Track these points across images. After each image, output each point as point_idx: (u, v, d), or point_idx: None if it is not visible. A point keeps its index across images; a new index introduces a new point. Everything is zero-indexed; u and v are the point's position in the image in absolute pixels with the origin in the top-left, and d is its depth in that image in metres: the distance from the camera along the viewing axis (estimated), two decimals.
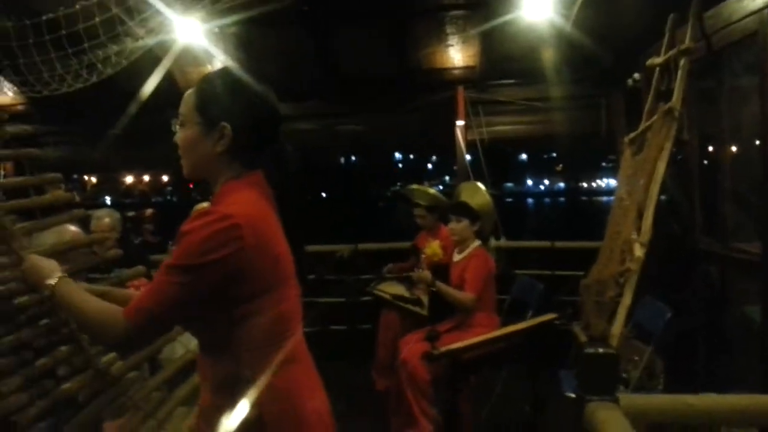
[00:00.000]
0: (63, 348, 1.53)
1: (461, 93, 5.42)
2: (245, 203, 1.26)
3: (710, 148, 3.74)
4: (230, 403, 1.25)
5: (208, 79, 1.34)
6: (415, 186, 4.31)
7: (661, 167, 3.23)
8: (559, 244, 4.92)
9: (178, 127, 1.35)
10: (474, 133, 5.43)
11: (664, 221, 3.44)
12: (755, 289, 2.85)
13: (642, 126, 3.64)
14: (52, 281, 1.31)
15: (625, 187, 3.58)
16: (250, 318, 1.23)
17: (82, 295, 1.30)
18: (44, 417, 1.36)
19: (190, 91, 1.35)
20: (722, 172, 3.47)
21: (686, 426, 2.77)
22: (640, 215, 3.25)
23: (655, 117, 3.43)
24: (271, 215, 1.31)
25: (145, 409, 1.64)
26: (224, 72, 1.35)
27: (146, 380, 1.78)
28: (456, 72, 5.49)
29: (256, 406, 1.24)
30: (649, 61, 3.63)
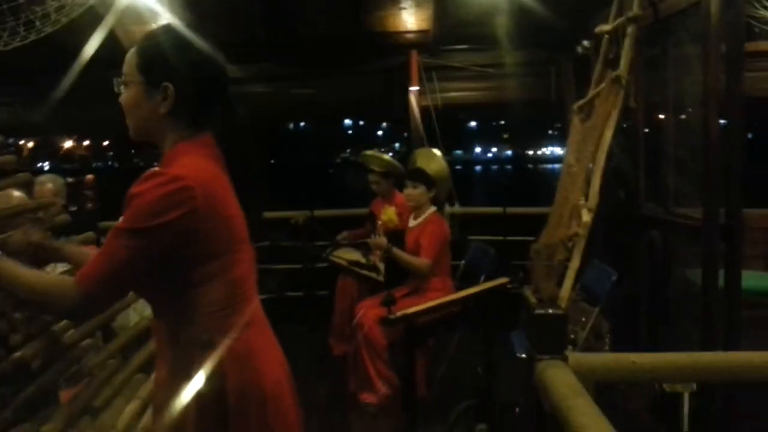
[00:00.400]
0: (17, 315, 1.49)
1: (415, 57, 5.39)
2: (195, 165, 1.23)
3: (655, 116, 3.84)
4: (189, 368, 1.24)
5: (149, 37, 1.30)
6: (369, 152, 4.31)
7: (608, 134, 3.31)
8: (510, 209, 5.02)
9: (121, 87, 1.31)
10: (427, 99, 5.43)
11: (610, 187, 3.54)
12: (696, 252, 2.98)
13: (590, 93, 3.70)
14: None
15: (574, 153, 3.65)
16: (205, 282, 1.22)
17: (25, 270, 1.25)
18: None
19: (132, 50, 1.30)
20: (666, 139, 3.59)
21: (632, 383, 2.92)
22: (587, 181, 3.34)
23: (603, 84, 3.50)
24: (222, 178, 1.29)
25: (101, 377, 1.62)
26: (166, 30, 1.31)
27: (101, 348, 1.75)
28: (409, 36, 5.45)
29: (216, 369, 1.24)
30: (598, 29, 3.68)
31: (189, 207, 1.16)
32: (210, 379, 1.24)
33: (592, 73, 3.81)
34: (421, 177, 3.61)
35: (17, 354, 1.45)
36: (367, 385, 3.39)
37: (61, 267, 1.96)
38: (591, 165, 3.40)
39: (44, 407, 1.49)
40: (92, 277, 1.16)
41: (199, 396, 1.24)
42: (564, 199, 3.61)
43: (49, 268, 1.99)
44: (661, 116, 3.75)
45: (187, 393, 1.24)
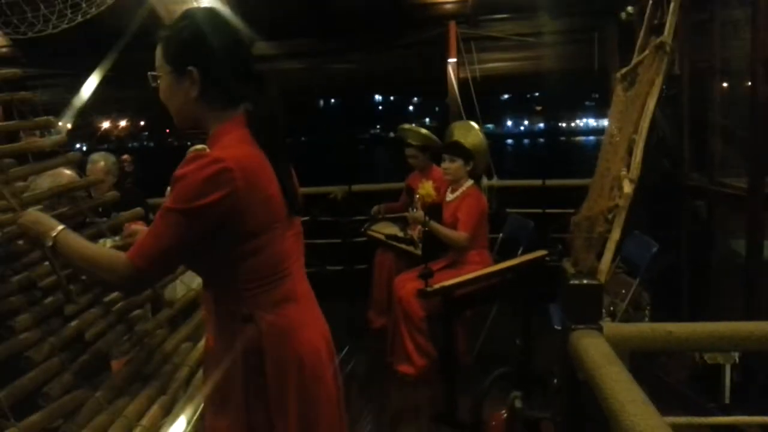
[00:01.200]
0: (72, 287, 1.58)
1: (453, 29, 5.31)
2: (235, 146, 1.28)
3: (701, 83, 3.73)
4: (230, 339, 1.32)
5: (170, 27, 1.34)
6: (406, 126, 4.30)
7: (651, 103, 3.23)
8: (549, 182, 4.96)
9: (156, 81, 1.35)
10: (466, 71, 5.36)
11: (653, 157, 3.47)
12: (741, 223, 2.91)
13: (634, 61, 3.61)
14: (55, 232, 1.32)
15: (616, 123, 3.58)
16: (246, 258, 1.28)
17: (85, 243, 1.33)
18: (55, 354, 1.42)
19: (158, 44, 1.34)
20: (712, 107, 3.48)
21: (672, 355, 2.90)
22: (630, 151, 3.28)
23: (646, 52, 3.41)
24: (261, 157, 1.32)
25: (150, 345, 1.71)
26: (185, 17, 1.34)
27: (150, 318, 1.84)
28: (447, 6, 5.37)
29: (254, 342, 1.30)
30: None
31: (230, 188, 1.21)
32: (248, 350, 1.30)
33: (636, 40, 3.71)
34: (458, 150, 3.60)
35: (73, 323, 1.53)
36: (405, 356, 3.45)
37: (111, 241, 2.05)
38: (634, 135, 3.34)
39: (97, 375, 1.58)
40: (143, 254, 1.23)
41: (239, 366, 1.31)
42: (605, 170, 3.55)
43: (100, 242, 2.08)
44: (707, 83, 3.63)
45: (229, 362, 1.31)
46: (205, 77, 1.30)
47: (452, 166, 3.57)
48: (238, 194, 1.22)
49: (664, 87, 3.28)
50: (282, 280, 1.34)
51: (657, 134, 3.60)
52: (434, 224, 3.51)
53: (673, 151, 3.70)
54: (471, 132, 3.80)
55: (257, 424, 1.32)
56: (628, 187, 3.13)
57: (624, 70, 3.74)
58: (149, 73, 1.36)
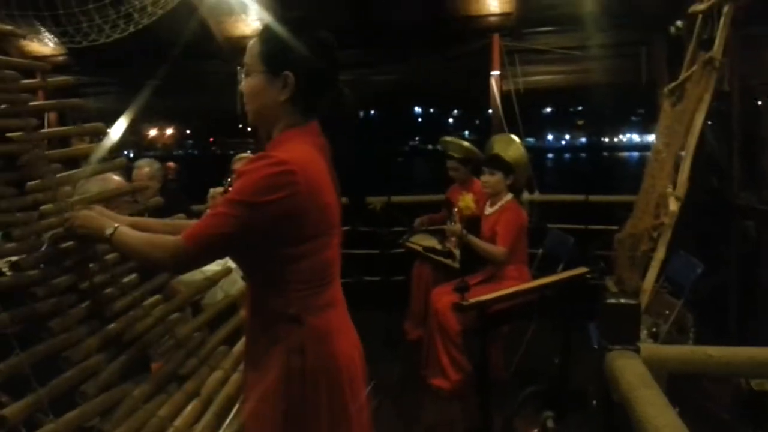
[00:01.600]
0: (109, 290, 1.62)
1: (497, 41, 5.28)
2: (300, 151, 1.30)
3: (752, 100, 3.62)
4: (274, 338, 1.34)
5: (270, 28, 1.36)
6: (448, 138, 4.29)
7: (700, 119, 3.16)
8: (593, 197, 4.87)
9: (243, 75, 1.39)
10: (509, 84, 5.32)
11: (701, 175, 3.38)
12: None
13: (682, 76, 3.54)
14: (111, 229, 1.38)
15: (663, 139, 3.51)
16: (296, 260, 1.31)
17: (138, 234, 1.40)
18: (92, 354, 1.46)
19: (254, 40, 1.38)
20: (763, 125, 3.37)
21: (714, 379, 2.80)
22: (676, 168, 3.20)
23: (695, 67, 3.33)
24: (323, 165, 1.36)
25: (188, 348, 1.74)
26: (288, 20, 1.37)
27: (189, 321, 1.87)
28: (492, 19, 5.35)
29: (297, 343, 1.32)
30: (692, 8, 3.50)
31: (291, 190, 1.24)
32: (290, 350, 1.32)
33: (685, 55, 3.63)
34: (497, 164, 3.57)
35: (111, 325, 1.58)
36: (439, 370, 3.42)
37: None
38: (681, 151, 3.26)
39: (136, 375, 1.62)
40: (194, 235, 1.27)
41: (283, 365, 1.33)
42: (651, 187, 3.48)
43: None
44: (758, 100, 3.52)
45: (273, 361, 1.33)
46: (298, 83, 1.33)
47: (491, 179, 3.54)
48: (299, 198, 1.25)
49: (712, 103, 3.19)
50: (328, 285, 1.38)
51: (705, 151, 3.51)
52: (472, 238, 3.49)
53: (721, 168, 3.59)
54: (512, 145, 3.77)
55: (295, 424, 1.33)
56: (674, 205, 3.06)
57: (672, 86, 3.67)
58: (239, 67, 1.40)
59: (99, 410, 1.37)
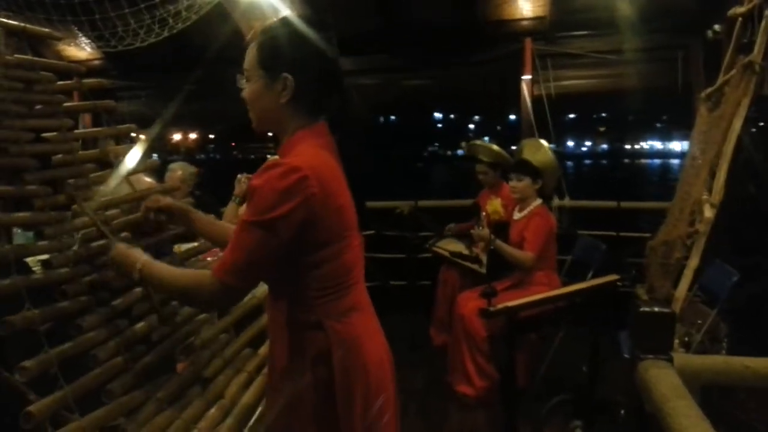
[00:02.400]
0: (137, 289, 1.64)
1: (529, 45, 5.21)
2: (311, 155, 1.29)
3: None
4: (300, 347, 1.33)
5: (266, 31, 1.36)
6: (478, 142, 4.27)
7: (738, 124, 3.07)
8: (625, 204, 4.78)
9: (243, 82, 1.38)
10: (540, 88, 5.26)
11: (738, 181, 3.28)
12: None
13: (720, 80, 3.45)
14: (139, 265, 1.38)
15: (699, 145, 3.43)
16: (317, 266, 1.29)
17: (168, 270, 1.39)
18: (119, 353, 1.47)
19: (251, 45, 1.37)
20: None
21: (752, 391, 2.71)
22: (712, 175, 3.12)
23: (733, 71, 3.25)
24: (336, 166, 1.35)
25: (213, 349, 1.75)
26: (283, 23, 1.36)
27: (215, 323, 1.88)
28: (524, 23, 5.29)
29: (323, 349, 1.31)
30: (732, 11, 3.41)
31: (306, 196, 1.23)
32: (317, 357, 1.31)
33: (723, 59, 3.54)
34: (525, 169, 3.53)
35: (139, 324, 1.59)
36: (465, 376, 3.39)
37: (186, 246, 2.12)
38: (717, 157, 3.17)
39: (162, 375, 1.63)
40: (228, 269, 1.24)
41: (308, 373, 1.32)
42: (686, 194, 3.39)
43: (174, 247, 2.16)
44: None
45: (298, 370, 1.33)
46: (298, 85, 1.32)
47: (519, 185, 3.50)
48: (315, 202, 1.24)
49: (751, 108, 3.11)
50: (349, 288, 1.36)
51: (742, 157, 3.41)
52: (499, 243, 3.44)
53: (759, 175, 3.49)
54: (540, 150, 3.72)
55: (325, 430, 1.32)
56: (709, 212, 2.98)
57: (709, 90, 3.58)
58: (238, 74, 1.39)
59: (124, 410, 1.38)
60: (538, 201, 3.52)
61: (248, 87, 1.37)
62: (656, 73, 5.42)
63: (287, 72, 1.31)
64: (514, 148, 4.30)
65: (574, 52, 5.26)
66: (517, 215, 3.59)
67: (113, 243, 1.49)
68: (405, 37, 5.63)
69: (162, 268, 1.40)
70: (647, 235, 3.53)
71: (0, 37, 1.68)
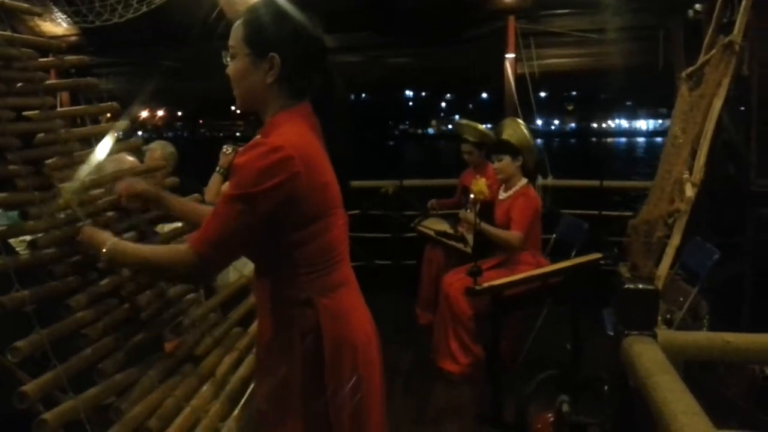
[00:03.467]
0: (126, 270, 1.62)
1: (512, 23, 5.20)
2: (295, 134, 1.29)
3: None
4: (289, 323, 1.34)
5: (254, 10, 1.35)
6: (464, 121, 4.26)
7: (718, 104, 3.11)
8: (607, 183, 4.84)
9: (228, 59, 1.37)
10: (524, 67, 5.26)
11: (718, 161, 3.33)
12: None
13: (700, 60, 3.48)
14: (105, 247, 1.37)
15: (680, 124, 3.46)
16: (303, 244, 1.30)
17: (137, 247, 1.39)
18: (109, 332, 1.46)
19: (238, 23, 1.36)
20: None
21: (730, 367, 2.78)
22: (693, 154, 3.16)
23: (714, 51, 3.28)
24: (318, 146, 1.35)
25: (202, 329, 1.74)
26: (270, 1, 1.35)
27: (203, 303, 1.88)
28: (507, 1, 5.28)
29: (313, 325, 1.32)
30: None
31: (290, 174, 1.23)
32: (307, 333, 1.33)
33: (704, 39, 3.57)
34: (502, 148, 3.56)
35: (127, 304, 1.58)
36: (449, 354, 3.43)
37: (169, 226, 2.10)
38: (698, 137, 3.21)
39: (150, 354, 1.62)
40: (205, 241, 1.25)
41: (298, 349, 1.33)
42: (667, 173, 3.44)
43: (157, 227, 2.14)
44: None
45: (288, 346, 1.34)
46: (284, 65, 1.31)
47: (500, 165, 3.54)
48: (298, 181, 1.24)
49: (731, 88, 3.14)
50: (336, 265, 1.37)
51: (722, 137, 3.46)
52: (486, 226, 3.46)
53: (738, 155, 3.54)
54: (516, 129, 3.75)
55: (313, 406, 1.33)
56: (690, 191, 3.02)
57: (690, 70, 3.61)
58: (223, 51, 1.38)
59: (116, 389, 1.38)
60: (524, 181, 3.54)
61: (233, 65, 1.36)
62: (637, 52, 5.44)
63: (274, 51, 1.31)
64: (489, 126, 4.32)
65: (556, 31, 5.27)
66: (502, 195, 3.62)
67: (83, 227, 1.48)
68: (387, 14, 5.58)
69: (129, 246, 1.39)
70: (629, 214, 3.57)
71: None
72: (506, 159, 3.51)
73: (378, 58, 6.12)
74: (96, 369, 1.37)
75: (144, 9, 3.92)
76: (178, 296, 1.78)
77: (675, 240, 2.97)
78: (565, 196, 4.87)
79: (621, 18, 5.00)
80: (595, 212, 4.63)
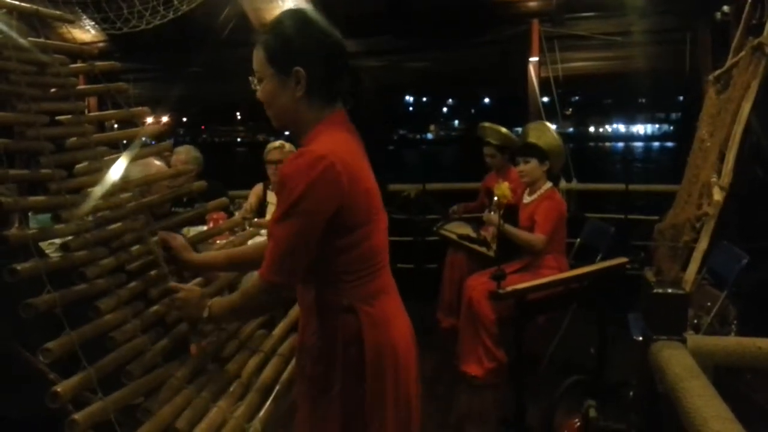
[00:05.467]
0: (153, 272, 1.65)
1: (536, 27, 5.17)
2: (335, 142, 1.30)
3: None
4: (330, 330, 1.35)
5: (269, 30, 1.36)
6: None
7: (747, 107, 3.05)
8: (633, 186, 4.78)
9: (256, 84, 1.38)
10: (548, 70, 5.22)
11: (746, 164, 3.27)
12: None
13: (728, 62, 3.43)
14: (206, 312, 1.45)
15: (707, 127, 3.41)
16: (347, 251, 1.31)
17: (230, 300, 1.45)
18: (137, 335, 1.48)
19: (256, 48, 1.36)
20: None
21: (758, 372, 2.73)
22: (721, 157, 3.11)
23: (742, 53, 3.23)
24: (359, 152, 1.36)
25: (228, 331, 1.76)
26: (285, 17, 1.36)
27: None
28: (531, 4, 5.25)
29: (355, 332, 1.33)
30: None
31: (335, 182, 1.24)
32: (349, 340, 1.34)
33: (732, 41, 3.52)
34: (531, 151, 3.53)
35: (155, 307, 1.60)
36: (473, 359, 3.41)
37: (194, 230, 2.12)
38: (726, 140, 3.16)
39: (177, 357, 1.64)
40: (271, 268, 1.29)
41: (340, 355, 1.34)
42: (694, 177, 3.39)
43: (183, 231, 2.17)
44: None
45: (329, 352, 1.35)
46: (310, 76, 1.32)
47: (527, 167, 3.50)
48: (343, 188, 1.25)
49: (760, 91, 3.09)
50: (378, 272, 1.38)
51: (751, 140, 3.40)
52: (509, 227, 3.44)
53: (766, 158, 3.48)
54: (545, 132, 3.72)
55: (353, 413, 1.34)
56: (718, 195, 2.97)
57: (717, 73, 3.56)
58: (250, 77, 1.39)
59: (144, 390, 1.40)
60: (549, 184, 3.52)
61: (262, 88, 1.37)
62: (664, 55, 5.39)
63: (297, 65, 1.31)
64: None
65: (581, 34, 5.22)
66: (527, 198, 3.59)
67: (179, 288, 1.56)
68: (408, 17, 5.58)
69: (223, 302, 1.45)
70: (655, 218, 3.53)
71: (13, 21, 1.68)
72: (533, 162, 3.49)
73: (398, 62, 6.11)
74: (124, 370, 1.39)
75: (171, 16, 3.97)
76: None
77: (702, 244, 2.92)
78: (588, 200, 4.83)
79: (647, 21, 4.95)
80: (621, 216, 4.57)
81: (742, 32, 3.42)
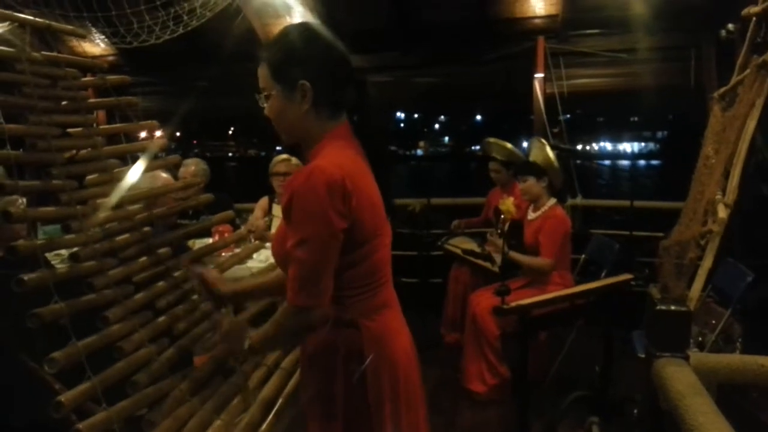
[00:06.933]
0: (161, 283, 1.66)
1: (542, 43, 5.20)
2: (340, 156, 1.30)
3: None
4: (332, 345, 1.35)
5: (271, 47, 1.37)
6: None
7: (752, 125, 3.06)
8: (638, 203, 4.78)
9: (263, 101, 1.39)
10: (553, 86, 5.25)
11: (751, 182, 3.27)
12: None
13: (734, 80, 3.44)
14: (247, 345, 1.40)
15: (713, 144, 3.41)
16: (354, 265, 1.31)
17: (266, 331, 1.39)
18: (144, 345, 1.49)
19: (260, 65, 1.37)
20: None
21: (764, 390, 2.71)
22: (726, 175, 3.11)
23: (747, 71, 3.24)
24: (364, 165, 1.36)
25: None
26: (285, 33, 1.37)
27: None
28: (537, 21, 5.28)
29: (356, 347, 1.33)
30: (746, 11, 3.39)
31: (343, 199, 1.24)
32: (351, 354, 1.34)
33: (737, 59, 3.53)
34: (526, 169, 3.55)
35: (161, 318, 1.62)
36: (476, 374, 3.40)
37: (200, 242, 2.14)
38: (732, 157, 3.16)
39: (182, 369, 1.65)
40: (296, 292, 1.27)
41: (342, 369, 1.34)
42: (699, 194, 3.38)
43: (189, 243, 2.18)
44: None
45: (332, 366, 1.35)
46: (315, 88, 1.32)
47: (525, 186, 3.53)
48: (350, 202, 1.25)
49: (765, 108, 3.09)
50: (381, 286, 1.38)
51: (756, 158, 3.40)
52: (515, 255, 3.43)
53: None
54: (541, 149, 3.73)
55: (357, 425, 1.35)
56: (723, 212, 2.97)
57: (722, 90, 3.56)
58: (257, 95, 1.39)
59: (149, 401, 1.41)
60: (552, 201, 3.52)
61: (269, 104, 1.37)
62: (669, 72, 5.40)
63: (302, 79, 1.32)
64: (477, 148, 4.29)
65: (586, 51, 5.25)
66: (531, 215, 3.59)
67: (225, 317, 1.57)
68: (415, 34, 5.63)
69: (261, 333, 1.40)
70: (660, 234, 3.52)
71: (26, 35, 1.71)
72: (531, 180, 3.50)
73: (405, 78, 6.15)
74: (129, 381, 1.40)
75: (180, 30, 4.02)
76: (209, 312, 1.81)
77: (707, 261, 2.91)
78: (593, 216, 4.83)
79: (652, 38, 4.96)
80: (626, 232, 4.57)
81: (747, 50, 3.43)
